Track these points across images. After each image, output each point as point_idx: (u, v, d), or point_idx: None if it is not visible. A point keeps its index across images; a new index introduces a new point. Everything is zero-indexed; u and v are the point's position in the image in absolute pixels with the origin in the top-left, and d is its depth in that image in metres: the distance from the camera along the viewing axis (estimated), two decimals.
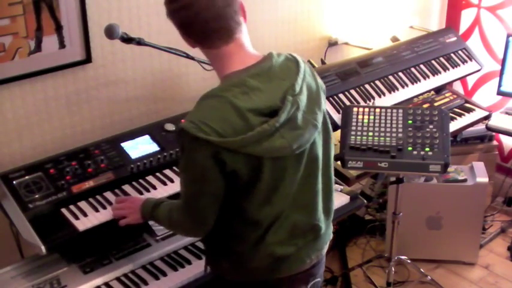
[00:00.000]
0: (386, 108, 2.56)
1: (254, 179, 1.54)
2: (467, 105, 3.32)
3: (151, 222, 2.14)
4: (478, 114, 3.26)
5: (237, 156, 1.48)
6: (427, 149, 2.39)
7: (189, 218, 1.63)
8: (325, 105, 1.70)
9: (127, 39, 2.10)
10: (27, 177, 2.01)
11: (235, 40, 1.54)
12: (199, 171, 1.51)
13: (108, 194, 2.06)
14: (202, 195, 1.56)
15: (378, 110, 2.55)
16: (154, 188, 2.11)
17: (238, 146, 1.46)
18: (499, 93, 3.48)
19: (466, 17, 3.87)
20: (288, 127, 1.51)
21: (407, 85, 3.05)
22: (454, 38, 3.43)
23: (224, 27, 1.51)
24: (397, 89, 3.00)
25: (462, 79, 3.71)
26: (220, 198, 1.57)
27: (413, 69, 3.13)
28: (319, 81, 1.66)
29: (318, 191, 1.69)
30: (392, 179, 2.73)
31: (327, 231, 1.79)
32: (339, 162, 2.42)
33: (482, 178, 3.15)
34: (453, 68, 3.27)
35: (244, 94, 1.48)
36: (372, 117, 2.51)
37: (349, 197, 2.41)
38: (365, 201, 2.49)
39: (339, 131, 2.52)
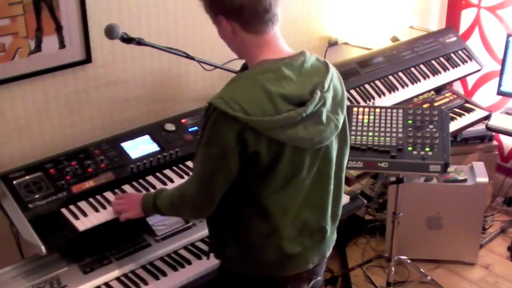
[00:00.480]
0: (386, 108, 2.57)
1: (273, 165, 1.56)
2: (467, 105, 3.32)
3: (151, 222, 2.15)
4: (478, 114, 3.26)
5: (260, 137, 1.50)
6: (427, 149, 2.39)
7: (201, 196, 1.63)
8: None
9: (127, 39, 2.10)
10: (27, 177, 2.01)
11: (276, 30, 1.61)
12: (220, 148, 1.52)
13: (108, 194, 2.06)
14: (218, 173, 1.56)
15: (378, 110, 2.55)
16: (154, 188, 2.11)
17: (263, 127, 1.49)
18: (499, 93, 3.49)
19: (466, 17, 3.87)
20: (312, 121, 1.56)
21: (407, 85, 3.05)
22: (454, 38, 3.44)
23: (274, 15, 1.57)
24: (397, 89, 3.00)
25: (462, 79, 3.71)
26: (231, 180, 1.58)
27: (413, 69, 3.13)
28: (344, 87, 1.72)
29: (329, 191, 1.72)
30: (393, 179, 2.73)
31: (332, 236, 1.81)
32: None
33: (482, 178, 3.15)
34: (453, 68, 3.27)
35: (276, 80, 1.52)
36: (372, 117, 2.52)
37: (349, 197, 2.41)
38: (365, 201, 2.50)
39: None
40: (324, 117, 1.58)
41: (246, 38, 1.59)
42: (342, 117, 1.66)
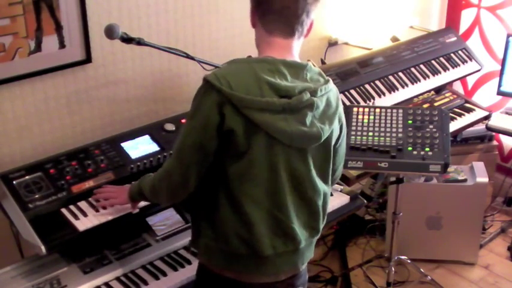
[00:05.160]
0: (386, 108, 2.57)
1: (248, 151, 1.59)
2: (467, 105, 3.32)
3: (151, 222, 2.15)
4: (478, 114, 3.26)
5: (237, 115, 1.55)
6: (427, 149, 2.39)
7: (177, 169, 1.65)
8: (338, 136, 1.76)
9: (127, 39, 2.10)
10: (27, 177, 2.01)
11: (290, 40, 1.66)
12: (202, 120, 1.57)
13: None
14: (197, 146, 1.59)
15: (378, 110, 2.55)
16: None
17: (243, 104, 1.54)
18: (499, 93, 3.49)
19: (466, 17, 3.87)
20: (295, 118, 1.59)
21: (407, 85, 3.05)
22: (454, 38, 3.44)
23: (291, 23, 1.63)
24: (397, 89, 3.00)
25: (462, 79, 3.71)
26: (209, 160, 1.62)
27: (413, 69, 3.13)
28: (341, 110, 1.75)
29: (286, 195, 1.66)
30: (392, 179, 2.73)
31: (307, 249, 1.78)
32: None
33: (482, 178, 3.15)
34: (453, 68, 3.27)
35: (270, 71, 1.58)
36: (371, 117, 2.52)
37: (349, 197, 2.41)
38: (365, 201, 2.49)
39: None
40: (307, 120, 1.60)
41: (260, 32, 1.67)
42: (327, 129, 1.66)
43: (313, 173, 1.70)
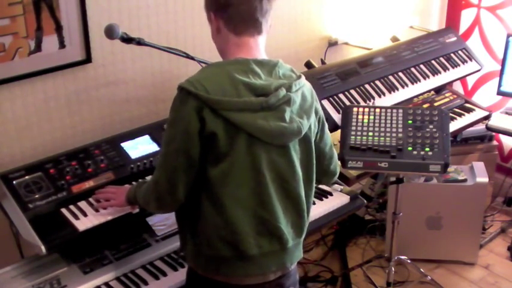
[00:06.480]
0: (386, 108, 2.57)
1: (229, 152, 1.59)
2: (467, 105, 3.32)
3: (151, 222, 2.15)
4: (478, 114, 3.26)
5: (217, 118, 1.56)
6: (427, 149, 2.39)
7: (163, 179, 1.64)
8: (317, 130, 1.76)
9: (127, 39, 2.10)
10: (27, 177, 2.01)
11: (258, 38, 1.69)
12: (182, 127, 1.58)
13: None
14: (180, 154, 1.59)
15: (378, 110, 2.55)
16: None
17: (221, 107, 1.55)
18: (499, 93, 3.49)
19: (466, 17, 3.87)
20: (274, 115, 1.60)
21: (407, 85, 3.05)
22: (454, 38, 3.44)
23: (258, 23, 1.66)
24: (397, 89, 3.00)
25: (462, 79, 3.71)
26: (195, 168, 1.61)
27: (413, 69, 3.13)
28: (316, 104, 1.75)
29: (271, 193, 1.66)
30: (393, 179, 2.73)
31: (295, 249, 1.77)
32: (339, 162, 2.42)
33: (482, 178, 3.15)
34: (453, 68, 3.27)
35: (244, 72, 1.60)
36: (372, 117, 2.52)
37: (349, 197, 2.41)
38: (365, 201, 2.49)
39: (339, 131, 2.52)
40: (286, 116, 1.61)
41: (227, 36, 1.67)
42: (306, 123, 1.67)
43: (298, 169, 1.70)
